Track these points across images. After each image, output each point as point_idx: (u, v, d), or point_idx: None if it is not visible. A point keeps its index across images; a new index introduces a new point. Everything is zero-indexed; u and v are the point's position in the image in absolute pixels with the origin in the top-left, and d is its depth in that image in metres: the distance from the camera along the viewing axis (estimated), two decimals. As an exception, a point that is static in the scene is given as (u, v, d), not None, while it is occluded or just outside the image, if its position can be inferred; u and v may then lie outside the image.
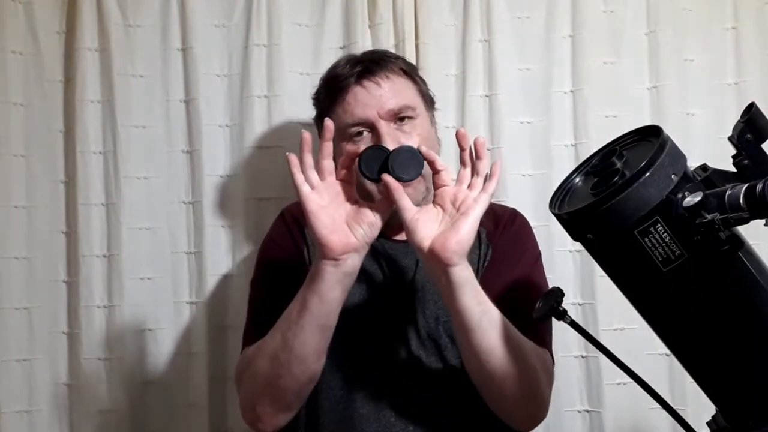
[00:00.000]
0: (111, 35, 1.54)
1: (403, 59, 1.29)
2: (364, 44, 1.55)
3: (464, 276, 1.01)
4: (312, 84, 1.56)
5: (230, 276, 1.56)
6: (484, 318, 1.02)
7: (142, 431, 1.54)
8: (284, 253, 1.22)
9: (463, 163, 1.05)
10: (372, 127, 1.16)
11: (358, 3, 1.59)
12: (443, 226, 1.02)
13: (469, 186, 1.03)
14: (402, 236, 1.22)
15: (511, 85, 1.60)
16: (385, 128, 1.15)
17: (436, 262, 1.00)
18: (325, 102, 1.23)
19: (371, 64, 1.20)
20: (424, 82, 1.27)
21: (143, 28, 1.56)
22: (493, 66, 1.59)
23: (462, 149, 1.05)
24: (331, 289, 1.03)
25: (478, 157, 1.04)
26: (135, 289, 1.53)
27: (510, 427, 1.19)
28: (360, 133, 1.17)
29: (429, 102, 1.27)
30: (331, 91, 1.21)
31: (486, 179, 1.03)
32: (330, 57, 1.56)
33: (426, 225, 1.02)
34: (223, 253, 1.56)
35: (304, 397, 1.12)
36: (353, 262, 1.03)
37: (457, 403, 1.15)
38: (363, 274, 1.18)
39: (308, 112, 1.56)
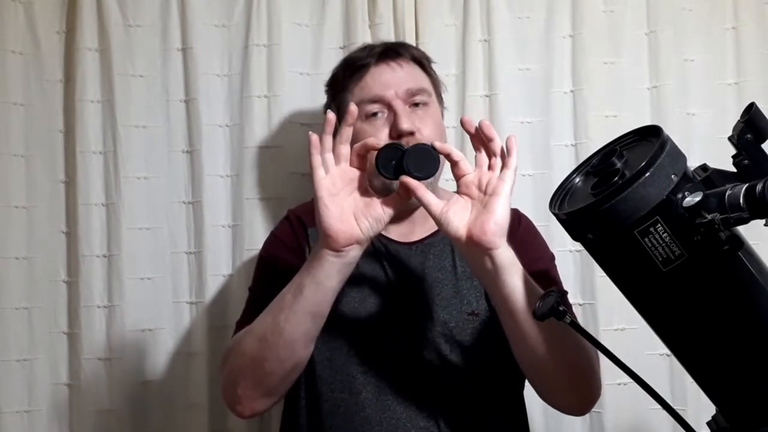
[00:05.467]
0: (111, 35, 1.54)
1: (421, 51, 1.30)
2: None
3: (509, 257, 1.00)
4: (312, 84, 1.58)
5: (230, 276, 1.56)
6: (534, 298, 0.98)
7: (142, 431, 1.54)
8: (286, 250, 1.22)
9: (476, 148, 1.04)
10: (389, 107, 1.17)
11: (358, 3, 1.59)
12: (475, 212, 1.00)
13: (489, 167, 1.02)
14: (407, 239, 1.22)
15: (511, 85, 1.60)
16: (401, 107, 1.17)
17: (476, 248, 0.99)
18: (342, 81, 1.24)
19: (390, 50, 1.23)
20: (437, 77, 1.30)
21: (143, 28, 1.56)
22: (493, 66, 1.59)
23: (471, 135, 1.04)
24: (329, 278, 1.02)
25: (489, 139, 1.02)
26: (135, 289, 1.53)
27: (509, 429, 1.19)
28: (375, 114, 1.18)
29: (440, 97, 1.29)
30: (350, 71, 1.22)
31: (504, 156, 1.01)
32: (330, 57, 1.56)
33: (457, 214, 1.00)
34: (223, 253, 1.56)
35: (286, 386, 1.11)
36: (355, 254, 1.02)
37: (462, 407, 1.15)
38: (368, 278, 1.18)
39: (308, 112, 1.57)
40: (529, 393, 1.25)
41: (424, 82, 1.23)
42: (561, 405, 1.15)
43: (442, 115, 1.29)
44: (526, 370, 1.10)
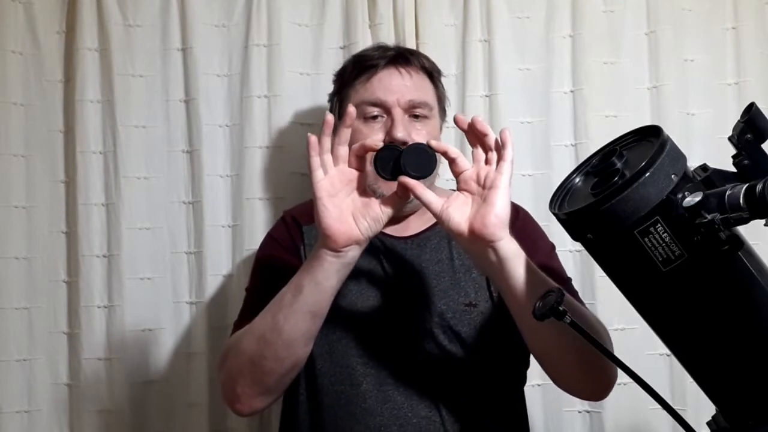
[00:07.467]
0: (111, 35, 1.54)
1: (432, 62, 1.29)
2: (364, 44, 1.55)
3: (512, 248, 1.00)
4: (312, 84, 1.58)
5: (230, 276, 1.56)
6: (541, 287, 0.98)
7: (142, 431, 1.54)
8: (282, 250, 1.23)
9: (472, 144, 1.04)
10: (388, 113, 1.18)
11: (358, 3, 1.59)
12: (476, 206, 1.00)
13: (487, 162, 1.02)
14: (403, 233, 1.23)
15: (511, 85, 1.60)
16: (400, 116, 1.18)
17: (479, 242, 0.99)
18: (349, 77, 1.25)
19: (402, 56, 1.24)
20: (444, 90, 1.30)
21: (143, 28, 1.57)
22: (493, 66, 1.60)
23: (465, 131, 1.04)
24: (328, 278, 1.03)
25: (482, 134, 1.02)
26: (135, 289, 1.53)
27: (509, 420, 1.19)
28: (375, 117, 1.19)
29: (443, 110, 1.29)
30: (360, 68, 1.23)
31: (500, 149, 1.01)
32: (330, 57, 1.57)
33: (458, 210, 1.00)
34: (223, 253, 1.56)
35: (285, 384, 1.12)
36: (354, 254, 1.03)
37: (462, 397, 1.15)
38: (365, 272, 1.19)
39: (308, 112, 1.57)
40: (529, 392, 1.26)
41: (428, 95, 1.24)
42: (575, 391, 1.16)
43: (441, 128, 1.29)
44: (537, 357, 1.11)
